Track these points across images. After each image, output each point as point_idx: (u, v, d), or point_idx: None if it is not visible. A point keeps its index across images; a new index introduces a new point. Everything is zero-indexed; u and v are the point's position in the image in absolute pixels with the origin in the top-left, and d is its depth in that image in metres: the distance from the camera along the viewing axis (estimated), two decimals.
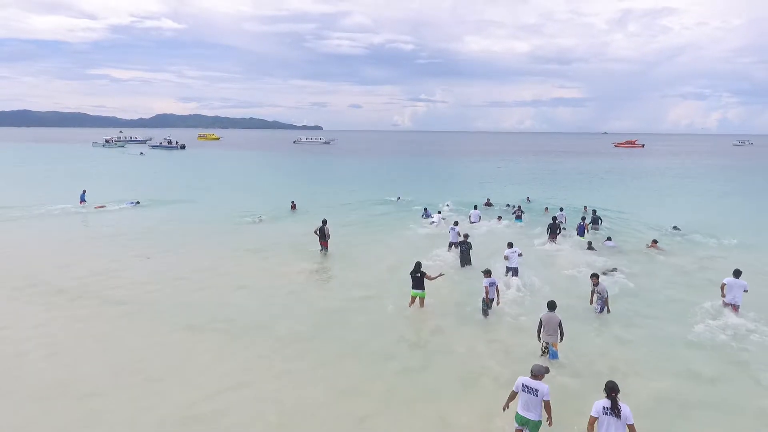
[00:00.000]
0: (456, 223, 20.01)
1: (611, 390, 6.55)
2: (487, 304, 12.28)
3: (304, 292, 14.04)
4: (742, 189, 43.56)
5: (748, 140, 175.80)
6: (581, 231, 20.48)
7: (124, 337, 10.82)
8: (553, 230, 19.89)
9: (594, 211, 24.43)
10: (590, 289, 12.83)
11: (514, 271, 15.19)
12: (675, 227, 23.17)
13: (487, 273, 12.41)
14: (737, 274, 12.33)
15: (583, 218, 21.61)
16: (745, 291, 12.17)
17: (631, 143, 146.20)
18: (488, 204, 30.90)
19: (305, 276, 15.61)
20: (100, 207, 28.19)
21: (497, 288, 12.42)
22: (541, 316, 10.19)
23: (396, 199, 32.72)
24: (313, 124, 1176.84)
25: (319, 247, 18.53)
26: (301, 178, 49.60)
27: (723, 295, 12.40)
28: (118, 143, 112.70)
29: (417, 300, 12.58)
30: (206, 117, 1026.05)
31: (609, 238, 19.79)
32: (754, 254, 18.63)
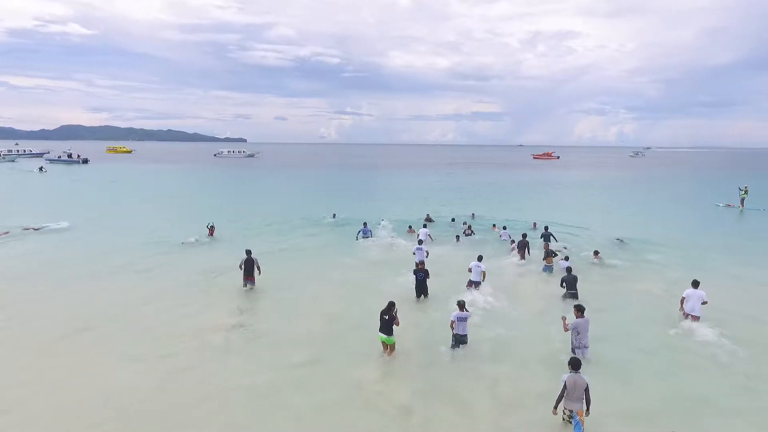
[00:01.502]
0: (421, 242, 19.11)
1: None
2: (457, 339, 11.03)
3: (219, 364, 10.29)
4: (662, 196, 45.76)
5: (642, 152, 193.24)
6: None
7: None
8: (523, 247, 19.42)
9: (546, 228, 23.37)
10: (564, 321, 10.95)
11: (476, 285, 15.35)
12: (619, 239, 23.62)
13: (461, 305, 11.16)
14: (696, 284, 12.68)
15: (524, 234, 20.69)
16: (704, 303, 12.49)
17: (548, 155, 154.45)
18: (428, 220, 29.11)
19: (223, 335, 11.86)
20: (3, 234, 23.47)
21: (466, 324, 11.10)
22: (564, 378, 8.04)
23: (332, 216, 29.64)
24: (236, 137, 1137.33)
25: (243, 283, 15.45)
26: (221, 196, 44.34)
27: (681, 308, 12.81)
28: (7, 157, 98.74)
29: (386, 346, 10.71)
30: (119, 128, 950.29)
31: (567, 258, 18.38)
32: (695, 260, 19.72)
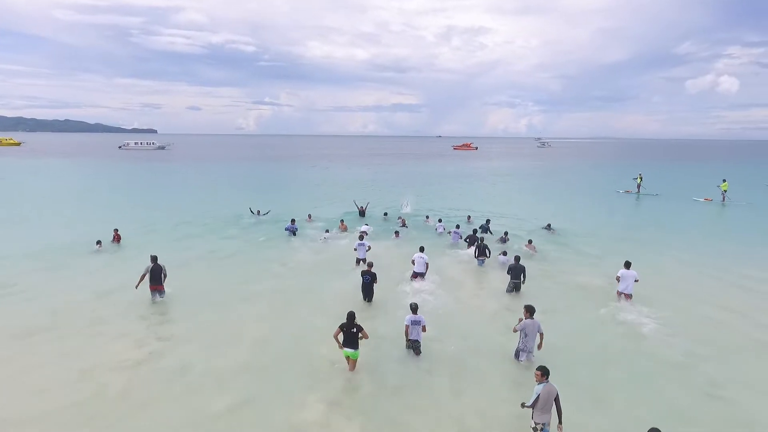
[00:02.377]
0: (362, 236, 18.35)
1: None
2: (411, 344, 10.50)
3: (113, 424, 7.86)
4: (573, 185, 48.21)
5: (547, 142, 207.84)
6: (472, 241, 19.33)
7: None
8: (473, 242, 18.94)
9: (487, 221, 23.25)
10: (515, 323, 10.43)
11: (421, 276, 15.41)
12: (548, 226, 24.11)
13: (414, 308, 10.67)
14: (628, 265, 13.63)
15: (475, 230, 20.97)
16: (636, 281, 13.48)
17: (467, 146, 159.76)
18: (362, 213, 27.95)
19: (125, 376, 9.34)
20: None
21: (423, 328, 10.54)
22: (538, 390, 7.33)
23: (256, 213, 27.07)
24: (146, 128, 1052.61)
25: (151, 295, 13.48)
26: (127, 195, 39.24)
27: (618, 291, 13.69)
28: None
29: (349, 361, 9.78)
30: (6, 118, 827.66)
31: (504, 253, 18.02)
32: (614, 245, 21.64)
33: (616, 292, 13.85)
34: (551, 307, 13.27)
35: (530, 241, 20.01)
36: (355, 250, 17.64)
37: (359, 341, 9.62)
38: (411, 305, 10.74)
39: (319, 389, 9.03)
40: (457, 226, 22.15)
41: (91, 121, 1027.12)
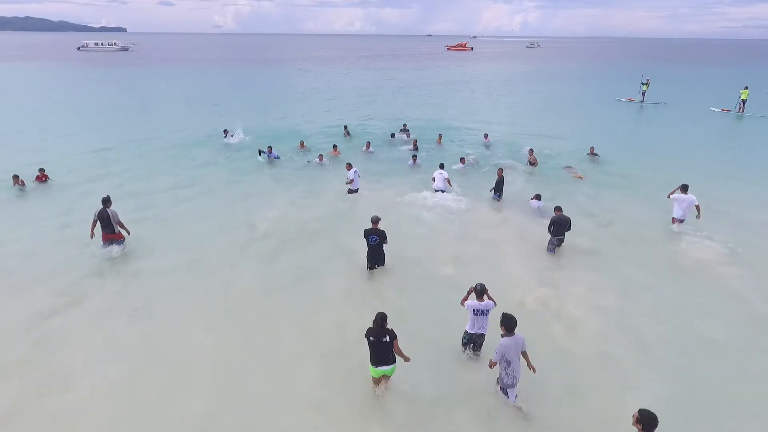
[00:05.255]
0: (350, 166, 15.21)
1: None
2: (472, 339, 7.44)
3: None
4: (579, 92, 42.95)
5: (537, 43, 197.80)
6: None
7: None
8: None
9: (531, 151, 18.74)
10: None
11: (442, 193, 14.55)
12: (592, 152, 19.87)
13: (480, 291, 7.32)
14: (685, 188, 12.04)
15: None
16: (696, 205, 11.79)
17: (462, 46, 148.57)
18: (347, 133, 23.33)
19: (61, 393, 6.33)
20: None
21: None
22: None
23: (224, 136, 22.05)
24: (114, 26, 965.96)
25: (102, 243, 10.79)
26: (72, 111, 32.07)
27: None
28: None
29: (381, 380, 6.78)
30: None
31: (538, 196, 13.96)
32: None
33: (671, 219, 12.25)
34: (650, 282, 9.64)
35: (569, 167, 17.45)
36: (350, 181, 14.76)
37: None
38: (477, 287, 7.33)
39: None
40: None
41: (55, 19, 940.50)
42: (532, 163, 17.84)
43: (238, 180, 16.75)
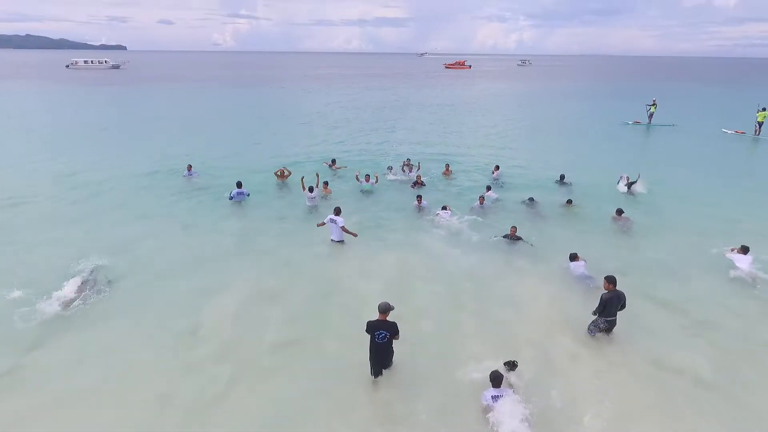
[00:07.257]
0: (338, 211, 12.54)
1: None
2: None
3: None
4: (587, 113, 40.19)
5: (528, 61, 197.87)
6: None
7: None
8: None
9: (562, 177, 16.13)
10: None
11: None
12: (561, 178, 18.04)
13: (495, 380, 6.68)
14: (746, 250, 10.90)
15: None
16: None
17: (460, 64, 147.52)
18: (333, 164, 20.24)
19: None
20: None
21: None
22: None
23: (187, 171, 18.58)
24: (114, 44, 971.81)
25: None
26: (33, 135, 29.19)
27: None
28: None
29: None
30: None
31: (575, 256, 10.94)
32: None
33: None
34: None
35: (620, 211, 14.01)
36: (323, 224, 12.45)
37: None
38: (491, 375, 6.73)
39: None
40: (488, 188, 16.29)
41: (55, 37, 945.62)
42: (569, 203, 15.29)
43: (189, 238, 12.97)
